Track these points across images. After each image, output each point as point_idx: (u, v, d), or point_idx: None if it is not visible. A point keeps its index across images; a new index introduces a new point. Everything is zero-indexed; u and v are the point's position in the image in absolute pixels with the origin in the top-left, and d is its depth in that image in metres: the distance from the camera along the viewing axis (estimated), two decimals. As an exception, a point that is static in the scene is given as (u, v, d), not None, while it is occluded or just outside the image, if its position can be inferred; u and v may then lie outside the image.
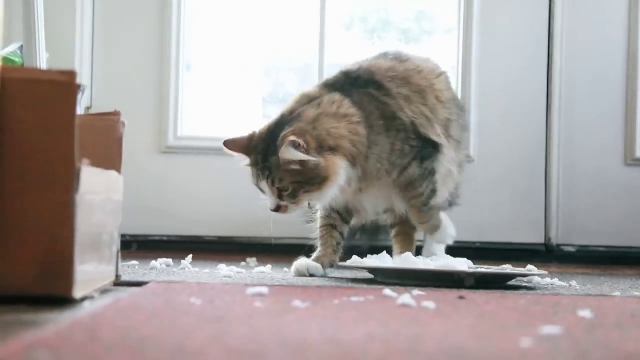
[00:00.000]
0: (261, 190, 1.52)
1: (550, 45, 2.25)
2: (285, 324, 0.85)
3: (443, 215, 1.77)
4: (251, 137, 1.54)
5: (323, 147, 1.50)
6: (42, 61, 1.77)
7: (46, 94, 1.00)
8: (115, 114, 1.28)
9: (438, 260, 1.52)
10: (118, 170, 1.25)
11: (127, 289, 1.21)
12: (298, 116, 1.53)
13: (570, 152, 2.23)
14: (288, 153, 1.44)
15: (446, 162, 1.70)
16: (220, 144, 1.56)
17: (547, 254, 2.17)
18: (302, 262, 1.55)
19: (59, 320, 0.86)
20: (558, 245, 2.18)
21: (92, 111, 2.09)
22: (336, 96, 1.58)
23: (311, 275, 1.53)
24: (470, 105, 2.24)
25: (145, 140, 2.20)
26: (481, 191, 2.23)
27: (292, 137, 1.45)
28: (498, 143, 2.24)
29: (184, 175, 2.16)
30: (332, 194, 1.54)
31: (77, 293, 1.00)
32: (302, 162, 1.46)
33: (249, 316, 0.90)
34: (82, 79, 2.14)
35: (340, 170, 1.51)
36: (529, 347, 0.74)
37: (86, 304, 1.01)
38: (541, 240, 2.19)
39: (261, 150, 1.51)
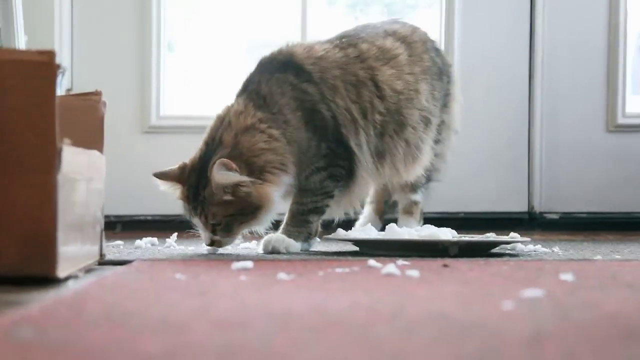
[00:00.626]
0: (194, 225, 1.47)
1: (532, 16, 2.24)
2: (270, 296, 0.86)
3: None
4: (183, 169, 1.46)
5: (253, 170, 1.43)
6: (21, 43, 1.75)
7: (26, 74, 0.99)
8: (97, 94, 1.27)
9: (422, 230, 1.53)
10: (100, 150, 1.25)
11: (112, 268, 1.21)
12: (220, 142, 1.45)
13: (553, 121, 2.24)
14: (221, 177, 1.38)
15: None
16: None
17: (530, 222, 2.18)
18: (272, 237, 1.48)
19: (43, 299, 0.85)
20: (541, 213, 2.19)
21: (72, 92, 2.07)
22: (240, 104, 1.48)
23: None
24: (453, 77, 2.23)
25: (128, 121, 2.19)
26: (466, 162, 2.23)
27: (221, 160, 1.38)
28: (482, 115, 2.24)
29: (167, 155, 2.13)
30: (269, 219, 1.48)
31: (62, 273, 1.00)
32: (234, 191, 1.40)
33: (234, 290, 0.90)
34: (63, 60, 2.12)
35: (273, 195, 1.44)
36: (510, 309, 0.74)
37: (70, 283, 1.01)
38: (525, 208, 2.20)
39: (193, 183, 1.43)
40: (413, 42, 1.65)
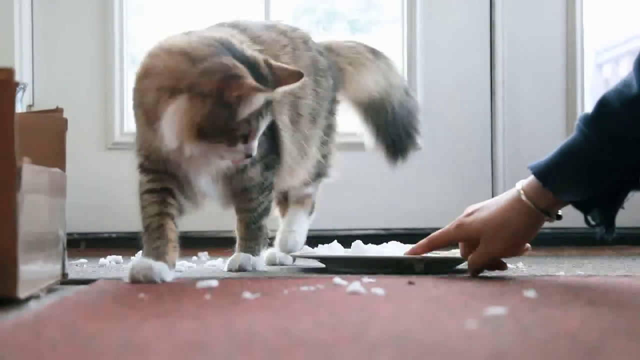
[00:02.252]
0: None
1: (492, 32, 2.27)
2: (234, 317, 0.85)
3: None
4: None
5: None
6: (-19, 59, 1.73)
7: (-17, 92, 0.98)
8: (58, 110, 1.26)
9: (388, 247, 1.53)
10: (62, 168, 1.24)
11: (75, 287, 1.20)
12: None
13: (515, 136, 2.27)
14: None
15: (285, 173, 1.53)
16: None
17: (495, 238, 2.20)
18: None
19: (2, 320, 0.84)
20: (506, 229, 2.21)
21: (34, 109, 2.05)
22: None
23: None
24: (417, 93, 2.25)
25: (91, 137, 2.17)
26: (430, 179, 2.25)
27: None
28: (445, 130, 2.26)
29: (131, 171, 2.13)
30: None
31: (22, 293, 0.99)
32: None
33: (197, 310, 0.90)
34: (23, 76, 2.10)
35: None
36: (473, 328, 0.75)
37: (32, 303, 1.00)
38: (489, 224, 2.21)
39: None
40: (293, 37, 1.57)
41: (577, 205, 1.24)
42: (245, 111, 1.24)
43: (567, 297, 1.01)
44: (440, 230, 1.36)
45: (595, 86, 2.51)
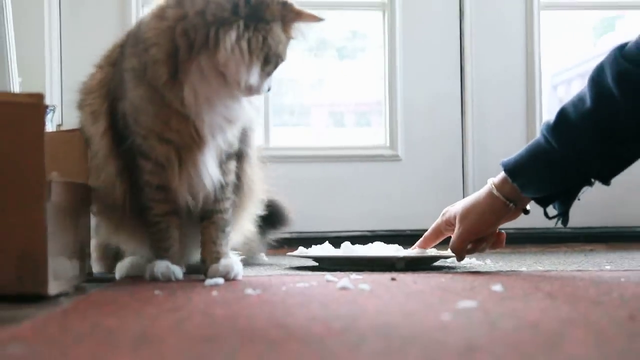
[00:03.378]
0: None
1: (462, 57, 2.28)
2: (237, 311, 0.84)
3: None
4: None
5: None
6: (15, 85, 1.72)
7: (17, 114, 0.97)
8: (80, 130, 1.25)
9: (373, 247, 1.52)
10: (86, 180, 1.23)
11: (99, 284, 1.19)
12: None
13: (483, 150, 2.27)
14: None
15: None
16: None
17: (466, 238, 2.19)
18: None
19: (35, 316, 0.83)
20: (475, 229, 2.21)
21: (63, 128, 2.04)
22: None
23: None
24: (397, 111, 2.26)
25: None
26: (409, 185, 2.25)
27: None
28: (422, 145, 2.26)
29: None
30: None
31: (52, 290, 0.98)
32: None
33: (205, 305, 0.89)
34: (54, 99, 2.09)
35: None
36: (448, 321, 0.74)
37: (61, 299, 0.99)
38: (461, 225, 2.21)
39: None
40: None
41: (538, 201, 1.26)
42: (290, 36, 1.11)
43: (529, 291, 1.01)
44: (431, 227, 1.42)
45: (551, 104, 2.51)
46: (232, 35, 1.05)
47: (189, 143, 1.13)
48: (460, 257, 1.36)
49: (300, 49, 2.48)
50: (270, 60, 1.10)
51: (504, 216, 1.31)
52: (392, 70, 2.27)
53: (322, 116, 2.55)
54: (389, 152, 2.26)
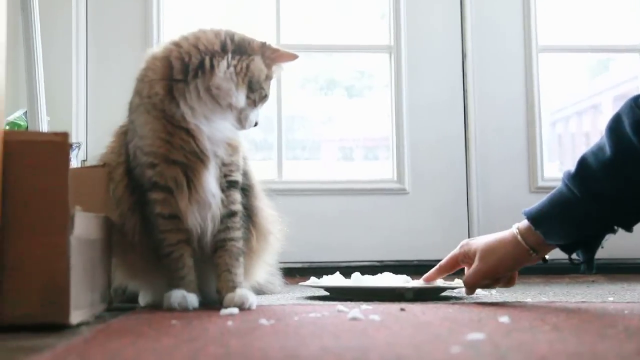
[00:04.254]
0: None
1: (465, 96, 2.27)
2: (252, 341, 0.82)
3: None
4: None
5: None
6: (44, 123, 1.73)
7: (43, 152, 0.97)
8: (105, 166, 1.25)
9: (382, 277, 1.50)
10: (108, 213, 1.22)
11: (119, 314, 1.17)
12: None
13: (487, 184, 2.25)
14: None
15: None
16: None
17: (471, 269, 2.16)
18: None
19: (56, 345, 0.81)
20: (480, 260, 2.17)
21: (87, 164, 2.04)
22: None
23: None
24: (404, 147, 2.25)
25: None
26: (417, 218, 2.22)
27: None
28: (428, 179, 2.25)
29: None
30: None
31: (74, 320, 0.96)
32: None
33: (221, 335, 0.87)
34: (79, 136, 2.09)
35: None
36: (457, 353, 0.71)
37: (83, 328, 0.97)
38: (466, 257, 2.18)
39: None
40: None
41: (562, 248, 1.23)
42: (271, 74, 1.24)
43: (536, 323, 0.98)
44: (447, 256, 1.37)
45: (550, 141, 2.50)
46: (224, 63, 1.19)
47: (193, 161, 1.18)
48: (471, 292, 1.32)
49: (311, 88, 2.49)
50: (254, 88, 1.22)
51: (524, 263, 1.27)
52: (399, 108, 2.26)
53: (332, 151, 2.54)
54: (396, 185, 2.24)
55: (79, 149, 1.85)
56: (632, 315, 1.06)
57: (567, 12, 2.47)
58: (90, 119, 2.17)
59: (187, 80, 1.18)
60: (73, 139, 2.00)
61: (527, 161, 2.27)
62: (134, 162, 1.21)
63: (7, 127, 1.67)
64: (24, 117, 1.75)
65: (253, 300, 1.19)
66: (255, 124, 1.25)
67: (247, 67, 1.20)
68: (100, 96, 2.17)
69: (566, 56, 2.48)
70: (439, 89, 2.28)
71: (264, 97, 1.23)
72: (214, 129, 1.19)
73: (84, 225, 1.02)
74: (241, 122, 1.23)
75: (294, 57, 1.26)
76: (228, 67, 1.19)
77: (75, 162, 1.80)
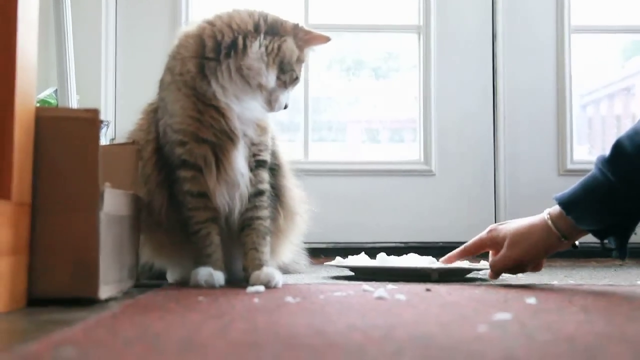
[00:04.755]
0: None
1: (495, 76, 2.24)
2: (278, 318, 0.83)
3: None
4: None
5: None
6: (74, 102, 1.74)
7: (74, 128, 0.98)
8: (134, 144, 1.26)
9: (407, 258, 1.50)
10: (137, 191, 1.23)
11: (146, 290, 1.18)
12: None
13: (514, 166, 2.23)
14: None
15: None
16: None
17: (497, 251, 2.15)
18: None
19: (86, 319, 0.83)
20: (506, 243, 2.16)
21: (116, 142, 2.06)
22: None
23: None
24: (431, 128, 2.23)
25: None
26: (442, 199, 2.21)
27: None
28: (455, 161, 2.23)
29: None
30: None
31: (103, 295, 0.98)
32: None
33: (247, 312, 0.87)
34: (108, 115, 2.11)
35: None
36: (484, 332, 0.71)
37: (111, 303, 0.98)
38: (492, 239, 2.17)
39: None
40: None
41: (594, 233, 1.21)
42: (302, 56, 1.23)
43: (563, 304, 0.97)
44: (473, 239, 1.34)
45: (580, 124, 2.46)
46: (256, 43, 1.18)
47: (223, 140, 1.18)
48: (496, 276, 1.31)
49: (338, 69, 2.48)
50: (285, 69, 1.20)
51: (555, 249, 1.25)
52: (427, 89, 2.24)
53: (358, 132, 2.54)
54: (422, 167, 2.23)
55: (107, 127, 1.87)
56: (662, 299, 1.05)
57: (601, -8, 2.42)
58: (119, 98, 2.18)
59: (219, 59, 1.18)
60: (102, 118, 2.02)
61: (557, 144, 2.24)
62: (164, 139, 1.22)
63: (38, 105, 1.69)
64: (54, 95, 1.77)
65: (279, 278, 1.19)
66: (285, 107, 1.24)
67: (279, 47, 1.19)
68: (129, 75, 2.19)
69: (599, 37, 2.42)
70: (468, 71, 2.25)
71: (294, 80, 1.22)
72: (244, 109, 1.19)
73: (113, 202, 1.03)
74: (271, 103, 1.22)
75: (326, 39, 1.25)
76: (260, 47, 1.18)
77: (104, 140, 1.82)
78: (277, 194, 1.28)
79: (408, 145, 2.38)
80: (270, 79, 1.19)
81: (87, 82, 2.04)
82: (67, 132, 0.97)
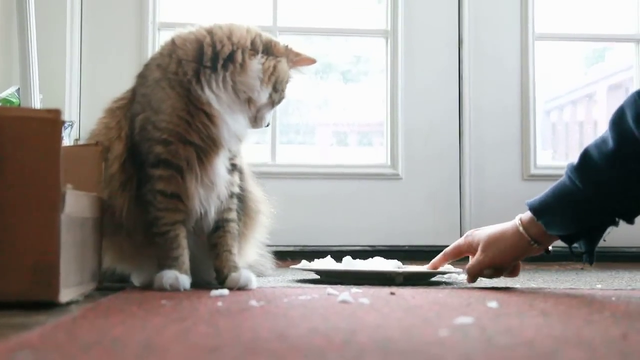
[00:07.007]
0: None
1: (461, 83, 2.27)
2: (241, 322, 0.82)
3: None
4: None
5: None
6: (37, 101, 1.71)
7: (36, 129, 0.96)
8: (97, 144, 1.24)
9: (373, 262, 1.50)
10: (99, 192, 1.21)
11: (108, 293, 1.17)
12: None
13: (480, 171, 2.25)
14: None
15: None
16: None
17: (462, 255, 2.17)
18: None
19: (45, 323, 0.81)
20: (471, 246, 2.18)
21: (80, 142, 2.03)
22: None
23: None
24: (398, 133, 2.24)
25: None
26: (409, 204, 2.23)
27: None
28: (422, 163, 2.24)
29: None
30: None
31: (64, 298, 0.96)
32: None
33: (210, 315, 0.87)
34: (72, 115, 2.08)
35: None
36: (445, 336, 0.72)
37: (72, 307, 0.97)
38: (457, 243, 2.19)
39: None
40: None
41: (563, 238, 1.23)
42: (289, 77, 1.25)
43: (524, 308, 0.98)
44: (452, 244, 1.38)
45: (544, 129, 2.50)
46: (255, 60, 1.20)
47: (209, 145, 1.19)
48: (473, 281, 1.33)
49: (307, 72, 2.48)
50: (277, 89, 1.22)
51: (526, 254, 1.28)
52: (394, 94, 2.26)
53: (327, 135, 2.54)
54: (389, 170, 2.24)
55: (71, 127, 1.84)
56: (619, 302, 1.07)
57: (565, 1, 2.46)
58: (84, 97, 2.15)
59: (215, 68, 1.19)
60: (66, 118, 1.99)
61: (521, 149, 2.27)
62: (141, 135, 1.20)
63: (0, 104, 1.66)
64: (16, 94, 1.74)
65: (255, 281, 1.22)
66: (267, 125, 1.27)
67: (275, 67, 1.22)
68: (94, 74, 2.16)
69: (562, 45, 2.47)
70: (434, 75, 2.27)
71: (281, 99, 1.26)
72: (234, 121, 1.21)
73: (75, 204, 1.02)
74: (256, 120, 1.24)
75: (313, 61, 1.28)
76: (258, 64, 1.20)
77: (67, 141, 1.79)
78: (240, 195, 1.29)
79: (376, 148, 2.39)
80: (262, 96, 1.21)
81: (50, 81, 2.01)
82: (29, 133, 0.95)
